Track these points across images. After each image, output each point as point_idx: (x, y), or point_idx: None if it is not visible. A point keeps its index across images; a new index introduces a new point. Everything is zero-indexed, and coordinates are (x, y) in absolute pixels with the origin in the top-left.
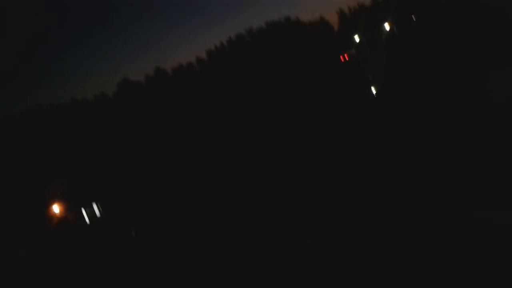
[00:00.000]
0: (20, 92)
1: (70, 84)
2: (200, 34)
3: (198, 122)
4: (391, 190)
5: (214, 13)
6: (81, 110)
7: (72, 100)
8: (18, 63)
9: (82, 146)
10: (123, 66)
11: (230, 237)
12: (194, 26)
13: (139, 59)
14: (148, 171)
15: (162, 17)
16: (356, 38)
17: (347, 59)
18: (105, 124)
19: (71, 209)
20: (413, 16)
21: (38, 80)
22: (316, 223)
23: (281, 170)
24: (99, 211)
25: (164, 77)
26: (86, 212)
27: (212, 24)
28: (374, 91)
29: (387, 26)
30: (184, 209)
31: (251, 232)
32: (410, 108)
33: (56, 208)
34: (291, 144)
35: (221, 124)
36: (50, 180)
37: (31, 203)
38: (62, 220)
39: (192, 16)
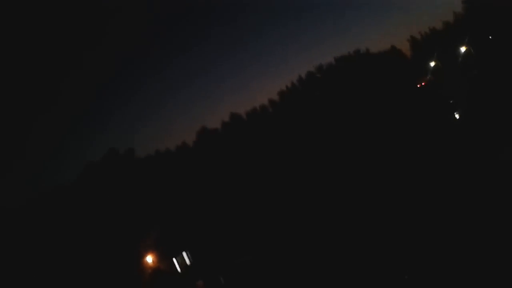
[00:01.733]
0: (102, 143)
1: (151, 136)
2: (269, 75)
3: (276, 164)
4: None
5: (281, 53)
6: (165, 160)
7: (157, 152)
8: (95, 116)
9: (169, 196)
10: (198, 114)
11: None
12: (262, 67)
13: (212, 104)
14: (233, 217)
15: (231, 60)
16: (431, 64)
17: (424, 85)
18: (189, 173)
19: (163, 258)
20: (489, 36)
21: (121, 135)
22: (414, 257)
23: (373, 205)
24: (189, 259)
25: (239, 122)
26: (177, 261)
27: (280, 65)
28: (457, 116)
29: (463, 49)
30: (272, 254)
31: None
32: (498, 130)
33: (149, 259)
34: (376, 179)
35: (299, 164)
36: (142, 232)
37: (126, 255)
38: (155, 270)
39: (260, 57)
